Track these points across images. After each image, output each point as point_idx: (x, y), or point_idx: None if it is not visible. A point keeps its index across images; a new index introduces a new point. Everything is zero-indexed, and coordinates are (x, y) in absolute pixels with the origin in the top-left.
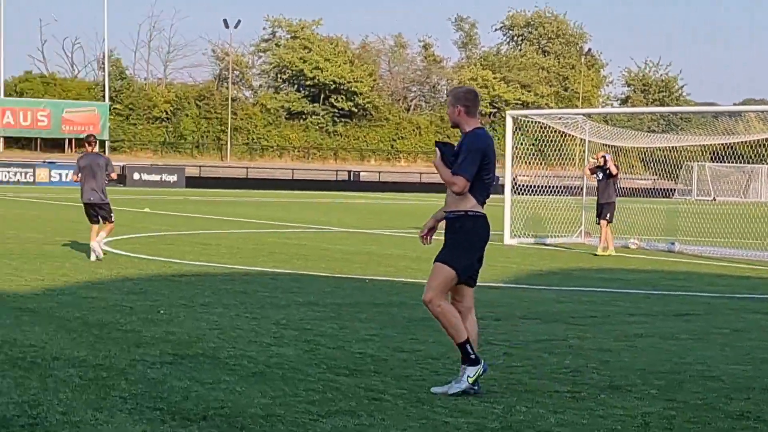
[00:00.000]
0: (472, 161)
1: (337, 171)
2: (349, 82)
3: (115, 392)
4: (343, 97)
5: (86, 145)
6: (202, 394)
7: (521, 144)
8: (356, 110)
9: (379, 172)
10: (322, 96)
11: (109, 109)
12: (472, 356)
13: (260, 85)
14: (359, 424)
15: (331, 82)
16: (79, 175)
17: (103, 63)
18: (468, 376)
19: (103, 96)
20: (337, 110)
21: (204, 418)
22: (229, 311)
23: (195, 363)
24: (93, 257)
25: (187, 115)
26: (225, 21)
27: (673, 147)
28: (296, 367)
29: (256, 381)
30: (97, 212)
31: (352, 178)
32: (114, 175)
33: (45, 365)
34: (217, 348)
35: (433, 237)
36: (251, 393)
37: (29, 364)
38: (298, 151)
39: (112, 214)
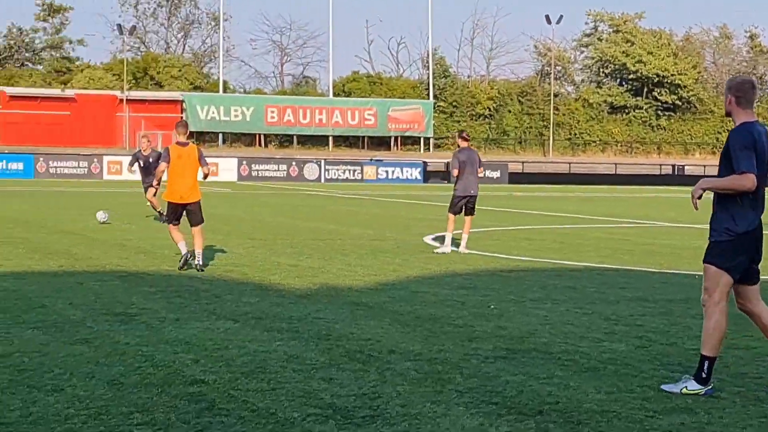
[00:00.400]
0: (746, 156)
1: (660, 165)
2: (672, 75)
3: (451, 386)
4: (667, 90)
5: (461, 140)
6: (536, 388)
7: None
8: (680, 103)
9: (704, 166)
10: (645, 89)
11: (434, 107)
12: (704, 376)
13: (582, 80)
14: (697, 421)
15: (655, 75)
16: (458, 169)
17: (428, 61)
18: (685, 387)
19: (428, 94)
20: (660, 103)
21: (540, 413)
22: (558, 306)
23: (527, 358)
24: (449, 248)
25: (509, 112)
26: (547, 17)
27: None
28: (629, 363)
29: (589, 376)
30: (472, 204)
31: (676, 172)
32: (482, 169)
33: (382, 358)
34: (548, 343)
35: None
36: (585, 388)
37: (366, 357)
38: (621, 146)
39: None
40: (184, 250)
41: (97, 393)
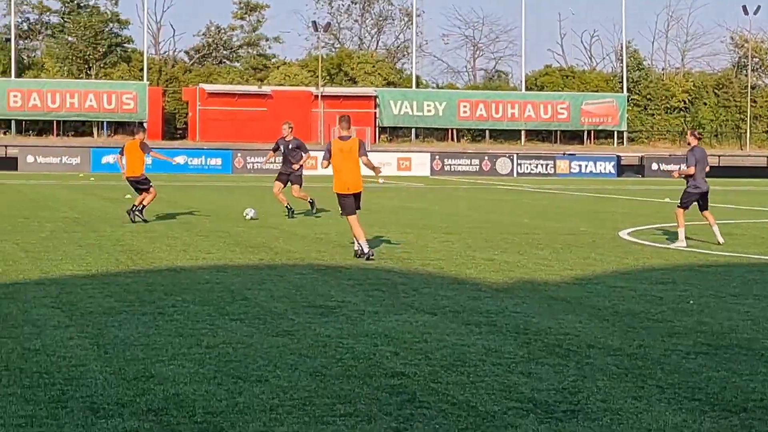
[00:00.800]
0: None
1: None
2: None
3: (652, 381)
4: None
5: (693, 138)
6: (740, 385)
7: None
8: None
9: None
10: None
11: (627, 100)
12: None
13: None
14: None
15: None
16: (695, 167)
17: (621, 54)
18: None
19: (621, 87)
20: None
21: (744, 410)
22: (760, 302)
23: (730, 354)
24: (684, 243)
25: (705, 104)
26: (744, 7)
27: None
28: None
29: None
30: (706, 199)
31: None
32: (707, 167)
33: (581, 353)
34: (751, 339)
35: None
36: None
37: (565, 351)
38: None
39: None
40: (366, 248)
41: (300, 384)
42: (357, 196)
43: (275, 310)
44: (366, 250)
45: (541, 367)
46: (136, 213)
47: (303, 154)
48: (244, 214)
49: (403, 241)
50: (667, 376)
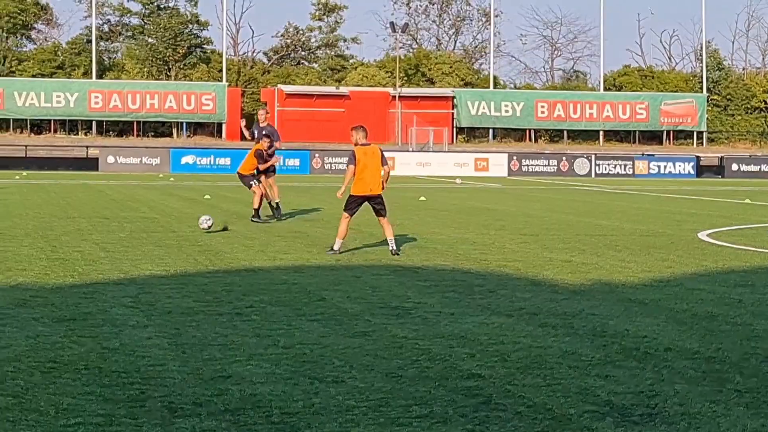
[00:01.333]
0: None
1: None
2: None
3: (730, 385)
4: None
5: None
6: None
7: None
8: None
9: None
10: None
11: (707, 101)
12: None
13: None
14: None
15: None
16: None
17: (701, 54)
18: None
19: (701, 87)
20: None
21: None
22: None
23: None
24: None
25: None
26: None
27: None
28: None
29: None
30: None
31: None
32: None
33: (658, 356)
34: None
35: None
36: None
37: (642, 354)
38: None
39: None
40: (337, 246)
41: (376, 385)
42: (380, 199)
43: (351, 311)
44: (336, 248)
45: (618, 370)
46: (255, 218)
47: (274, 144)
48: (200, 224)
49: (481, 243)
50: (745, 380)
